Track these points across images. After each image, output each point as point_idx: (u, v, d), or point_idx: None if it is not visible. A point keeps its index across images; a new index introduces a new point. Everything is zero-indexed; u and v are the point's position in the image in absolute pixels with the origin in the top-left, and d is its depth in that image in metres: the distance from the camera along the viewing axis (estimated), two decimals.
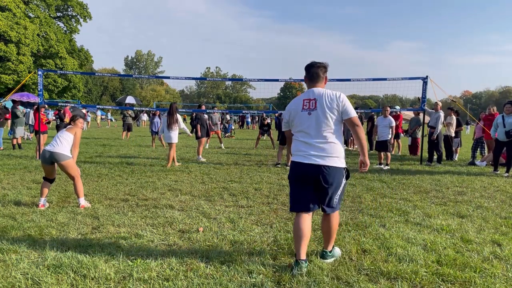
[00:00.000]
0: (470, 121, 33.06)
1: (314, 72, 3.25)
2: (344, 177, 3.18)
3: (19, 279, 2.84)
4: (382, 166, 9.42)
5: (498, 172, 8.70)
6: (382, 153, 9.53)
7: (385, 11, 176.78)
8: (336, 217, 3.25)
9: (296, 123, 3.21)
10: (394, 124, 9.37)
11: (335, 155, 3.09)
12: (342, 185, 3.17)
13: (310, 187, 3.11)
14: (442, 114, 10.30)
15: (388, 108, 9.74)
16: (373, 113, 15.18)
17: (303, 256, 3.07)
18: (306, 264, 3.07)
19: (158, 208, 5.01)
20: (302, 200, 3.14)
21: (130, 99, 35.93)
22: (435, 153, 10.42)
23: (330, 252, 3.35)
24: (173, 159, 9.14)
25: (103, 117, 45.46)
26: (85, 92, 60.01)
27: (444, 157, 11.72)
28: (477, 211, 5.17)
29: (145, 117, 40.67)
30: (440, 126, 10.19)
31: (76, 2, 44.14)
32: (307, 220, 3.12)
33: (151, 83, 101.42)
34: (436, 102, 10.35)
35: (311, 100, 3.16)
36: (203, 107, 11.75)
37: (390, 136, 9.34)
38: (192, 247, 3.57)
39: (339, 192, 3.16)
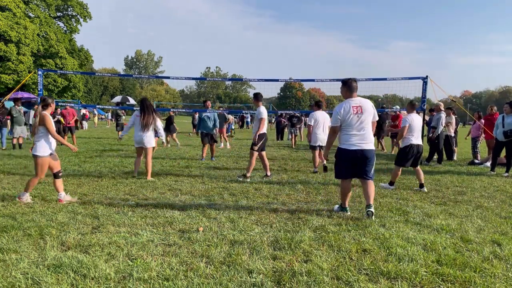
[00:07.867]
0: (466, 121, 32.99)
1: (354, 85, 4.68)
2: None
3: (19, 279, 2.84)
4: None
5: (494, 172, 8.67)
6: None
7: (385, 10, 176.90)
8: (372, 183, 4.75)
9: (347, 122, 4.61)
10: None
11: (371, 142, 4.66)
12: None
13: (351, 163, 4.68)
14: (443, 115, 10.27)
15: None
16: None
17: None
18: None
19: (158, 208, 5.01)
20: (348, 171, 4.73)
21: (117, 99, 35.82)
22: (435, 154, 10.39)
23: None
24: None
25: (103, 117, 45.42)
26: (85, 92, 59.96)
27: (444, 157, 11.71)
28: (477, 211, 5.17)
29: None
30: (441, 127, 10.17)
31: (76, 2, 44.06)
32: (349, 183, 4.85)
33: (151, 83, 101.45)
34: (438, 103, 10.33)
35: (358, 106, 4.60)
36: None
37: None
38: (192, 247, 3.57)
39: (373, 166, 4.70)
